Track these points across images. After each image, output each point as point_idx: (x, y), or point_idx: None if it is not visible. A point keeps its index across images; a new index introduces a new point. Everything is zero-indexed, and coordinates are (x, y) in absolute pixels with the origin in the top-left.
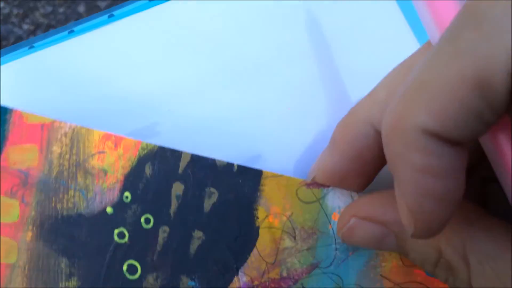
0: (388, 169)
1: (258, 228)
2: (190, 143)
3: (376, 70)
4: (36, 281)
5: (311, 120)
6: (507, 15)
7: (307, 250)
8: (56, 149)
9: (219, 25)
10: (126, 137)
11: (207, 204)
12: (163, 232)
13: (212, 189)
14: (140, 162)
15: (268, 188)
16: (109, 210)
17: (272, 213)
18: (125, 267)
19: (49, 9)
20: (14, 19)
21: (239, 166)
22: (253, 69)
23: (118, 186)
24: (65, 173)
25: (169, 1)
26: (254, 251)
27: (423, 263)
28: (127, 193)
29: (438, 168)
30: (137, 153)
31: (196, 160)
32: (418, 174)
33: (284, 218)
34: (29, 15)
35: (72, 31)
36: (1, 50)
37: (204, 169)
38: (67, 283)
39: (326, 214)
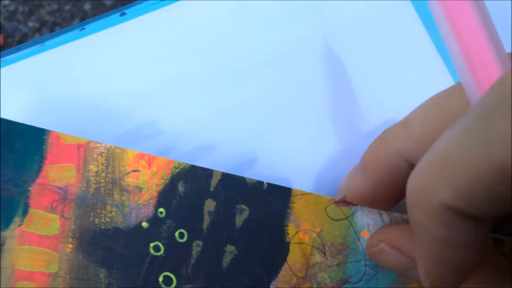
0: (410, 227)
1: (288, 243)
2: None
3: (389, 69)
4: None
5: (318, 120)
6: None
7: (337, 266)
8: (92, 167)
9: (233, 23)
10: (158, 156)
11: (239, 220)
12: (197, 246)
13: (243, 206)
14: (173, 180)
15: (297, 206)
16: (144, 224)
17: (302, 230)
18: (161, 279)
19: (55, 6)
20: (19, 17)
21: (268, 184)
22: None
23: (152, 203)
24: (102, 190)
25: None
26: (285, 265)
27: None
28: (161, 209)
29: (459, 240)
30: (170, 171)
31: (227, 178)
32: (438, 244)
33: (314, 234)
34: (34, 12)
35: (83, 29)
36: (13, 48)
37: (234, 186)
38: None
39: (355, 231)
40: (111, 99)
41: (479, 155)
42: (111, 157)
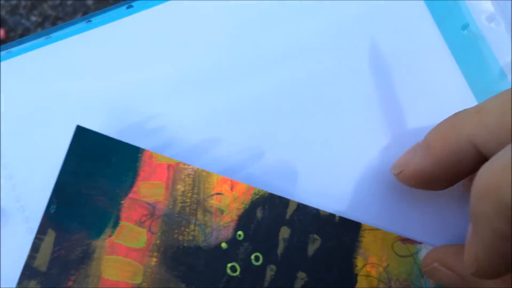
0: (470, 216)
1: (356, 275)
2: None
3: (400, 68)
4: None
5: (327, 118)
6: None
7: None
8: (180, 187)
9: (242, 18)
10: (240, 182)
11: (311, 249)
12: (271, 270)
13: (316, 236)
14: (253, 206)
15: (366, 240)
16: (223, 245)
17: (370, 263)
18: None
19: (57, 1)
20: (22, 11)
21: (340, 217)
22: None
23: (232, 225)
24: (187, 209)
25: None
26: None
27: None
28: (240, 232)
29: None
30: (250, 197)
31: (302, 208)
32: (498, 237)
33: (381, 269)
34: (37, 7)
35: (89, 21)
36: (19, 39)
37: (308, 217)
38: None
39: (419, 269)
40: (118, 92)
41: None
42: (197, 179)
